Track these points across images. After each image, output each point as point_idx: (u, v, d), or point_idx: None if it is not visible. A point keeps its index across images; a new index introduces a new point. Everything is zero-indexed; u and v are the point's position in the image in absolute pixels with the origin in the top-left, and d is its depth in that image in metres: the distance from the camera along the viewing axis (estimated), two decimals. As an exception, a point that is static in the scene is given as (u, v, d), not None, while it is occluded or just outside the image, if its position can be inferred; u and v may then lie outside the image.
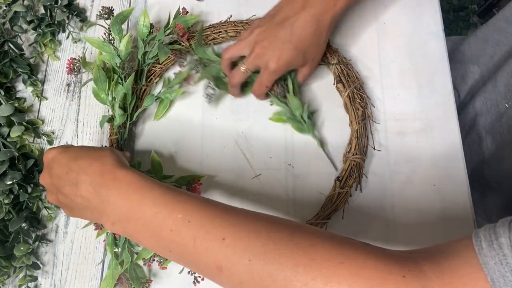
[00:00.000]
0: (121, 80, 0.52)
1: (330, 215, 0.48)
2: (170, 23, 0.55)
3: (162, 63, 0.55)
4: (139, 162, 0.50)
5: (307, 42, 0.47)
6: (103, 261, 0.50)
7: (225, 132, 0.54)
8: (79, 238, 0.52)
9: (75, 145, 0.44)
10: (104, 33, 0.53)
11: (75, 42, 0.60)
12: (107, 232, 0.47)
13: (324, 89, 0.55)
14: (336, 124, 0.54)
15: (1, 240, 0.49)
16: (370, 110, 0.53)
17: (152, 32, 0.55)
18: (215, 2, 0.60)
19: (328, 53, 0.54)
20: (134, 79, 0.53)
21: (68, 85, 0.59)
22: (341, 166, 0.51)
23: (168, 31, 0.54)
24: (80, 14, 0.60)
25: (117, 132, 0.52)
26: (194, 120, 0.55)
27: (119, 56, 0.53)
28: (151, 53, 0.54)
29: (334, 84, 0.54)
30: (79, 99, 0.58)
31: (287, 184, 0.51)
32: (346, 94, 0.52)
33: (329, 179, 0.51)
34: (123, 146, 0.52)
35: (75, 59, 0.54)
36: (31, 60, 0.59)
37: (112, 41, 0.53)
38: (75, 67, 0.54)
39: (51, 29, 0.59)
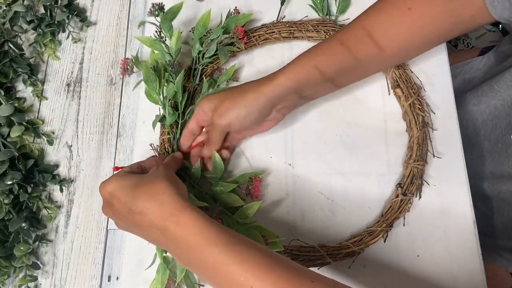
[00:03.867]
0: (172, 78, 0.51)
1: (392, 222, 0.47)
2: (223, 23, 0.54)
3: (214, 62, 0.55)
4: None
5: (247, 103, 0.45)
6: (103, 261, 0.50)
7: (225, 132, 0.54)
8: (79, 238, 0.52)
9: (128, 175, 0.41)
10: (156, 31, 0.52)
11: (75, 42, 0.60)
12: None
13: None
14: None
15: (1, 240, 0.49)
16: (430, 116, 0.52)
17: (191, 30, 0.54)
18: (215, 0, 0.60)
19: None
20: (187, 78, 0.53)
21: (68, 85, 0.59)
22: (400, 172, 0.51)
23: (222, 31, 0.53)
24: (80, 14, 0.60)
25: (169, 132, 0.51)
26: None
27: (169, 53, 0.52)
28: (208, 53, 0.53)
29: (391, 89, 0.54)
30: (79, 99, 0.58)
31: (287, 184, 0.51)
32: (407, 101, 0.52)
33: (329, 179, 0.51)
34: (174, 146, 0.51)
35: (128, 58, 0.53)
36: (31, 60, 0.60)
37: (164, 39, 0.52)
38: (128, 67, 0.53)
39: (51, 29, 0.59)
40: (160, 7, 0.51)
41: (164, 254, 0.46)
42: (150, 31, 0.55)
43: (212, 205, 0.48)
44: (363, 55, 0.45)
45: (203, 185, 0.49)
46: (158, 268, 0.45)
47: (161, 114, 0.52)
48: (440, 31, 0.46)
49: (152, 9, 0.51)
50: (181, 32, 0.53)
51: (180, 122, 0.52)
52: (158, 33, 0.52)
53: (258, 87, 0.45)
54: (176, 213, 0.36)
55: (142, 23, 0.54)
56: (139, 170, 0.45)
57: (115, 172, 0.44)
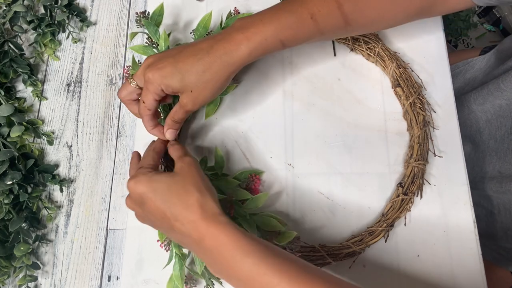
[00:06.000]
0: None
1: (393, 222, 0.48)
2: (223, 23, 0.54)
3: None
4: (206, 159, 0.51)
5: (189, 64, 0.41)
6: (103, 261, 0.50)
7: (225, 132, 0.54)
8: (79, 238, 0.52)
9: (158, 175, 0.40)
10: (146, 38, 0.53)
11: (75, 42, 0.60)
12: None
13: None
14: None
15: (1, 240, 0.49)
16: (430, 115, 0.53)
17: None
18: (214, 1, 0.60)
19: (386, 56, 0.54)
20: None
21: (68, 85, 0.59)
22: (400, 172, 0.51)
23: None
24: (80, 14, 0.60)
25: None
26: (194, 120, 0.55)
27: None
28: None
29: (392, 88, 0.54)
30: (79, 99, 0.58)
31: (287, 184, 0.51)
32: (408, 100, 0.52)
33: (329, 179, 0.51)
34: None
35: (129, 66, 0.53)
36: (31, 60, 0.60)
37: (156, 45, 0.52)
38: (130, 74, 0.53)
39: (51, 29, 0.59)
40: (144, 15, 0.52)
41: (181, 250, 0.46)
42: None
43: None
44: (329, 29, 0.44)
45: None
46: (174, 265, 0.45)
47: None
48: (410, 10, 0.45)
49: (137, 18, 0.52)
50: (169, 34, 0.53)
51: None
52: (149, 39, 0.52)
53: (222, 58, 0.41)
54: (212, 224, 0.36)
55: (133, 35, 0.53)
56: (158, 162, 0.44)
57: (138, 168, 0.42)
